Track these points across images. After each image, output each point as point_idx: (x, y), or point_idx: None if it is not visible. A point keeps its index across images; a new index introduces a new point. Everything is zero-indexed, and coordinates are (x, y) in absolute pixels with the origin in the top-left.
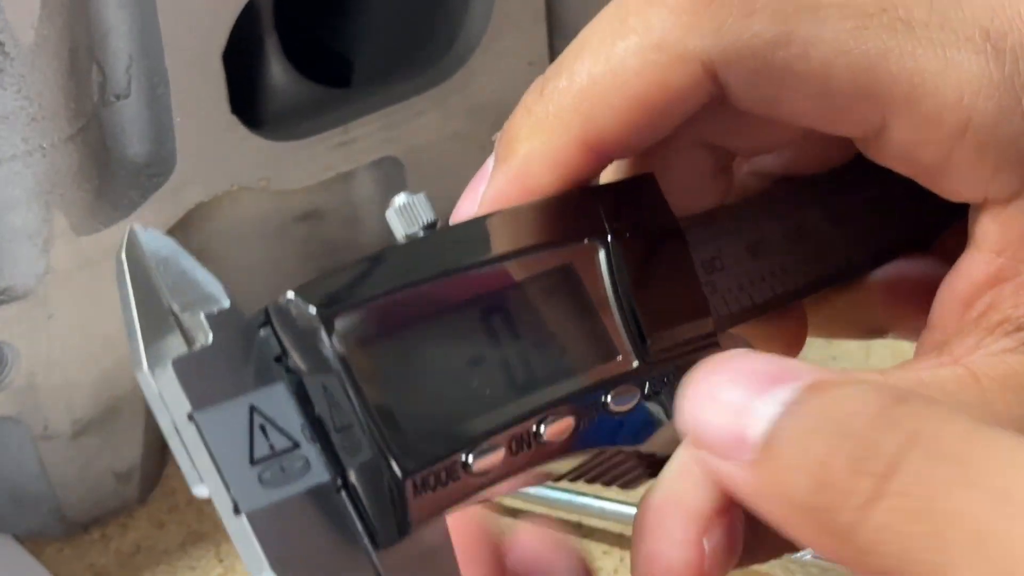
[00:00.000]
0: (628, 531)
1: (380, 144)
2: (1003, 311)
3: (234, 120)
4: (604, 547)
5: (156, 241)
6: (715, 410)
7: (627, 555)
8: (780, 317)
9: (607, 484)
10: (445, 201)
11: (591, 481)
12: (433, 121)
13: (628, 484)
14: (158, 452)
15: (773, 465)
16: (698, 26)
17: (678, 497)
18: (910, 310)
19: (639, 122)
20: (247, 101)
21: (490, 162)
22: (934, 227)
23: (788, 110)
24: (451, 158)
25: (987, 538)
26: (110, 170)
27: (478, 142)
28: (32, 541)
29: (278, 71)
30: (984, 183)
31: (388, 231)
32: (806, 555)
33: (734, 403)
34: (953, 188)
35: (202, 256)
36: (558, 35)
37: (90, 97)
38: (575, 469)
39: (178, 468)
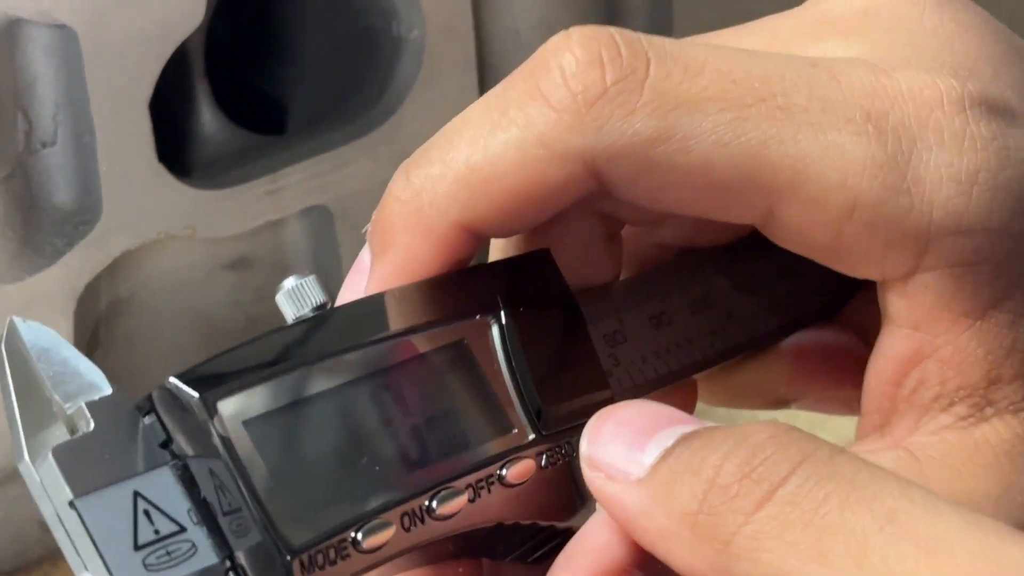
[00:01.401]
0: None
1: (309, 192)
2: (932, 388)
3: (161, 168)
4: None
5: (36, 332)
6: (611, 434)
7: None
8: (671, 387)
9: (502, 558)
10: None
11: (490, 555)
12: (363, 169)
13: (525, 557)
14: None
15: (663, 476)
16: (580, 125)
17: (595, 549)
18: (817, 380)
19: (518, 211)
20: (175, 148)
21: (365, 255)
22: (840, 296)
23: (673, 201)
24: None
25: (869, 554)
26: (35, 218)
27: None
28: None
29: (208, 118)
30: (878, 261)
31: (319, 279)
32: None
33: (633, 429)
34: (848, 266)
35: (130, 304)
36: (489, 84)
37: (15, 145)
38: (473, 543)
39: None
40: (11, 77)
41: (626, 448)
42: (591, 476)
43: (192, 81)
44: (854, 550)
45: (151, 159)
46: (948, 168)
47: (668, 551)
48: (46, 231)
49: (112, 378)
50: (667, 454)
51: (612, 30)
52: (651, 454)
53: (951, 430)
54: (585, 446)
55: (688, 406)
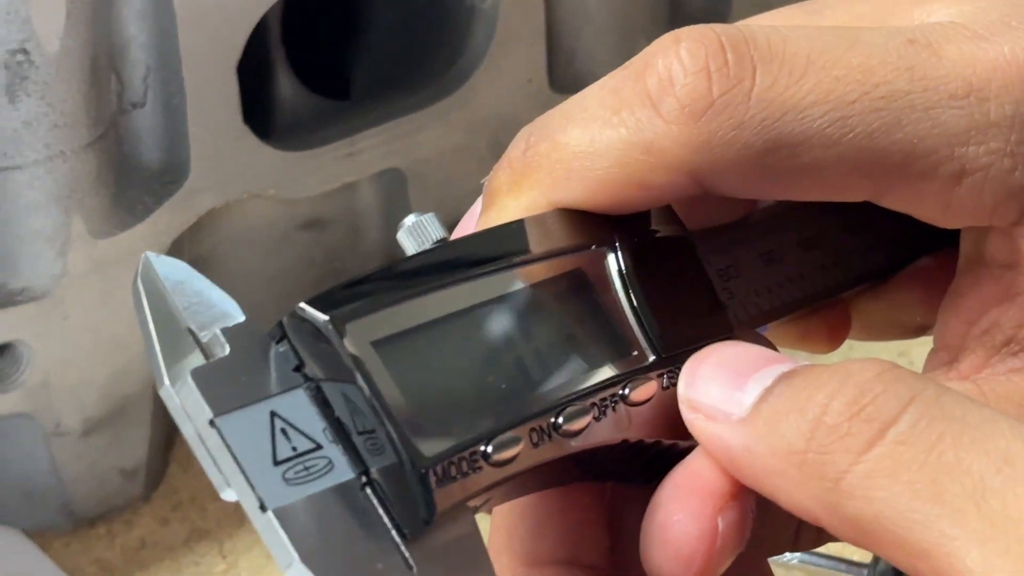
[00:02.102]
0: None
1: (384, 156)
2: (1007, 331)
3: (246, 130)
4: None
5: (169, 265)
6: (709, 375)
7: None
8: (821, 313)
9: (626, 480)
10: (445, 213)
11: (612, 478)
12: (435, 135)
13: (650, 479)
14: (162, 451)
15: (766, 415)
16: (688, 139)
17: (700, 475)
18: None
19: (614, 202)
20: (258, 112)
21: (478, 205)
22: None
23: (779, 195)
24: (451, 170)
25: (986, 495)
26: (126, 176)
27: (477, 155)
28: (40, 535)
29: (286, 84)
30: (985, 219)
31: (389, 240)
32: (793, 559)
33: (730, 370)
34: (956, 223)
35: (209, 261)
36: (556, 54)
37: (109, 105)
38: (599, 464)
39: (181, 467)
40: (106, 39)
41: (725, 388)
42: (691, 418)
43: (270, 47)
44: (972, 491)
45: (237, 121)
46: None
47: (775, 489)
48: (136, 189)
49: None
50: (768, 393)
51: (719, 31)
52: (751, 393)
53: (1020, 373)
54: (683, 388)
55: (839, 334)
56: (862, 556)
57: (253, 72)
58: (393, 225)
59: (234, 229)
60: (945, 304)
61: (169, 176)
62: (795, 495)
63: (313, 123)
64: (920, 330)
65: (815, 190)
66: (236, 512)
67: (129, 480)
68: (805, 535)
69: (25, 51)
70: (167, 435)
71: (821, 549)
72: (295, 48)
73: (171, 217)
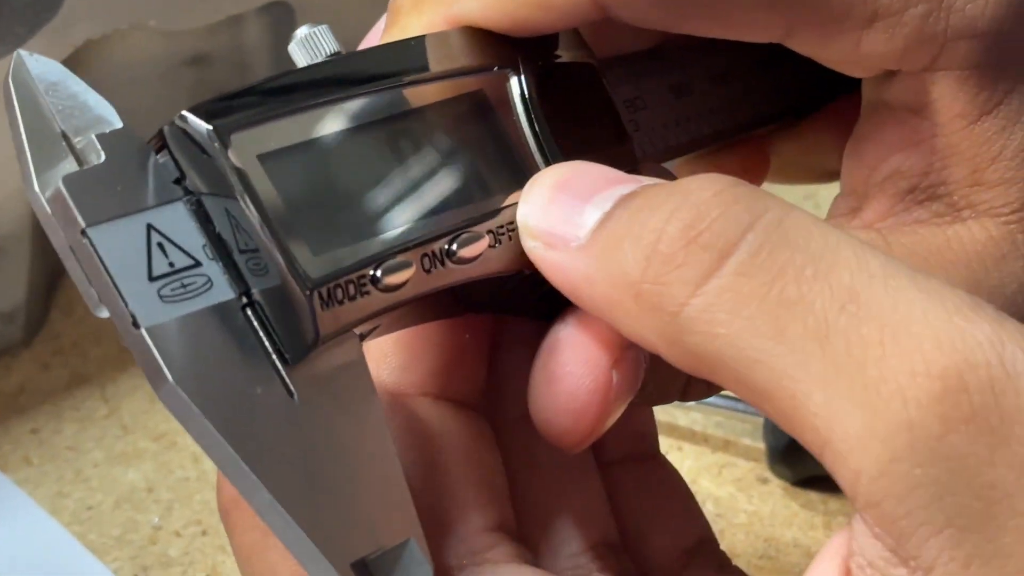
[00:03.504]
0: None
1: None
2: (910, 178)
3: None
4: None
5: (44, 65)
6: (548, 197)
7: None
8: (737, 154)
9: (514, 313)
10: (337, 39)
11: (501, 311)
12: None
13: (543, 315)
14: (43, 293)
15: (603, 242)
16: None
17: (596, 323)
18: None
19: (510, 20)
20: None
21: (382, 22)
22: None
23: (686, 28)
24: (340, 5)
25: (830, 335)
26: None
27: None
28: None
29: None
30: (894, 62)
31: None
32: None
33: (571, 191)
34: (864, 70)
35: None
36: None
37: None
38: (490, 295)
39: (63, 312)
40: None
41: (564, 213)
42: (531, 246)
43: None
44: (815, 330)
45: None
46: None
47: (615, 319)
48: (6, 18)
49: None
50: (607, 217)
51: None
52: (591, 218)
53: (925, 224)
54: (521, 213)
55: (759, 171)
56: None
57: None
58: (282, 61)
59: (113, 64)
60: (849, 148)
61: (43, 4)
62: (635, 327)
63: None
64: (834, 175)
65: (723, 25)
66: (118, 357)
67: (7, 324)
68: (695, 386)
69: None
70: (48, 278)
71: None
72: None
73: (45, 48)
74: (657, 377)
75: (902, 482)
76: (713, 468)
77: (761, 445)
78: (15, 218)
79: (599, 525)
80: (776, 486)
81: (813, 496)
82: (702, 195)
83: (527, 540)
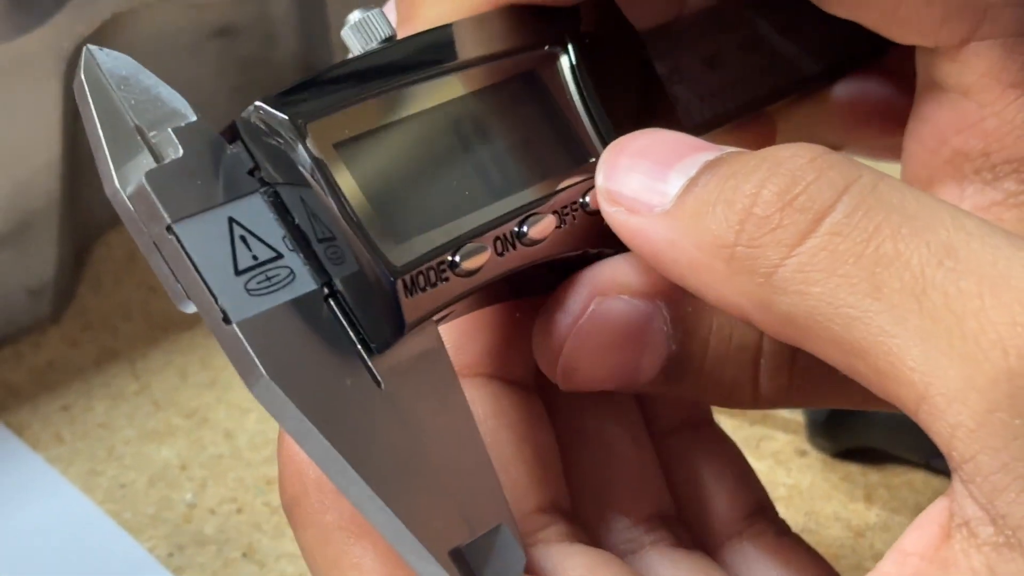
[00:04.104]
0: None
1: None
2: (974, 160)
3: None
4: None
5: (114, 60)
6: (629, 165)
7: None
8: (749, 125)
9: None
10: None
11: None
12: None
13: None
14: (71, 269)
15: (691, 207)
16: None
17: (598, 268)
18: (866, 126)
19: None
20: None
21: (391, 6)
22: (882, 44)
23: None
24: None
25: (928, 290)
26: None
27: None
28: None
29: None
30: (933, 30)
31: (305, 50)
32: None
33: (651, 159)
34: (904, 35)
35: None
36: None
37: None
38: (557, 275)
39: (91, 287)
40: None
41: (647, 179)
42: (610, 212)
43: None
44: (912, 285)
45: None
46: None
47: (701, 285)
48: None
49: None
50: (692, 183)
51: None
52: (675, 184)
53: (1002, 206)
54: (601, 179)
55: (768, 144)
56: None
57: None
58: (309, 33)
59: (141, 36)
60: (909, 130)
61: None
62: (723, 291)
63: None
64: (836, 148)
65: None
66: (148, 333)
67: (36, 300)
68: (767, 390)
69: None
70: (76, 253)
71: None
72: None
73: (72, 21)
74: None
75: (999, 434)
76: (751, 441)
77: (800, 417)
78: (42, 193)
79: (653, 497)
80: (815, 459)
81: (853, 468)
82: (796, 161)
83: (581, 517)
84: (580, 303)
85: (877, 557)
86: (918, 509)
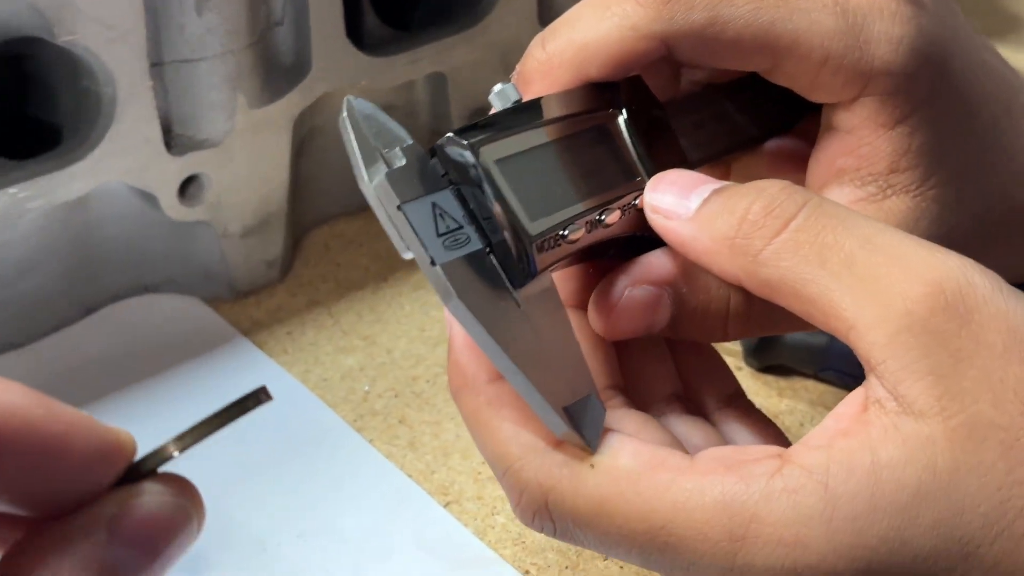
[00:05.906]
0: None
1: (433, 63)
2: (850, 173)
3: (348, 42)
4: None
5: (362, 105)
6: (665, 189)
7: None
8: (713, 168)
9: (620, 259)
10: (470, 101)
11: (612, 257)
12: (465, 51)
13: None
14: (291, 249)
15: (705, 215)
16: (658, 16)
17: (646, 263)
18: (784, 169)
19: (615, 70)
20: (354, 32)
21: (497, 86)
22: (797, 115)
23: (715, 60)
24: (475, 75)
25: (855, 262)
26: (271, 70)
27: (492, 67)
28: (212, 302)
29: (370, 21)
30: (837, 92)
31: (435, 121)
32: None
33: (679, 187)
34: (819, 95)
35: (321, 129)
36: (544, 6)
37: (260, 22)
38: (615, 247)
39: (304, 261)
40: None
41: (676, 198)
42: (653, 218)
43: None
44: (845, 260)
45: (342, 36)
46: (886, 34)
47: (712, 263)
48: (277, 78)
49: (309, 174)
50: (706, 202)
51: None
52: (695, 201)
53: (865, 202)
54: (648, 196)
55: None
56: None
57: (350, 8)
58: (438, 113)
59: (338, 108)
60: (812, 156)
61: (297, 71)
62: (726, 266)
63: (389, 41)
64: None
65: (734, 58)
66: (337, 290)
67: (270, 268)
68: (733, 328)
69: None
70: (296, 239)
71: None
72: None
73: (299, 98)
74: (707, 320)
75: (901, 347)
76: None
77: (738, 347)
78: (275, 202)
79: (671, 383)
80: (747, 372)
81: (770, 377)
82: (772, 189)
83: (628, 394)
84: (620, 289)
85: (787, 429)
86: (810, 402)
